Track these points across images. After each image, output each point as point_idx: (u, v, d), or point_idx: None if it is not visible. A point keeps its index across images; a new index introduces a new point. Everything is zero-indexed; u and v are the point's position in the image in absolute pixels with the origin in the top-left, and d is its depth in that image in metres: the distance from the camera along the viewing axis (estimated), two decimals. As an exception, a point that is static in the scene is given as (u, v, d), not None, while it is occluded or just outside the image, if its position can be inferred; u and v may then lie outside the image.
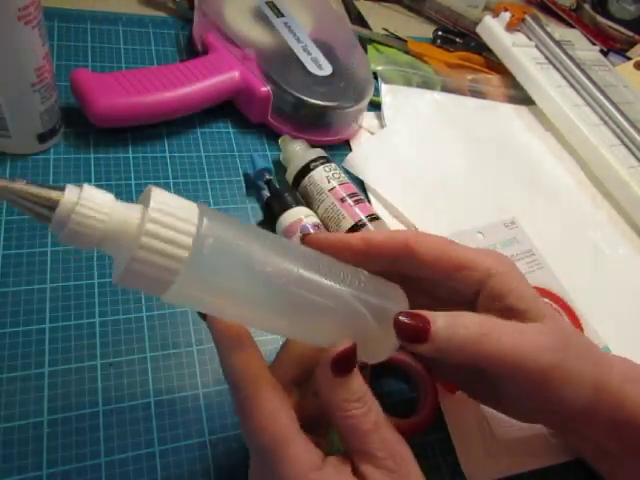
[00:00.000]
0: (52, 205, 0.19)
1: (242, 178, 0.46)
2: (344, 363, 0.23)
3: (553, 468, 0.36)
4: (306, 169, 0.44)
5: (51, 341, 0.33)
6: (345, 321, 0.24)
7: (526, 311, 0.26)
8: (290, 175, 0.45)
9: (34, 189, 0.19)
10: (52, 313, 0.34)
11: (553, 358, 0.25)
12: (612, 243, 0.52)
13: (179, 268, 0.20)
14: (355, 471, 0.23)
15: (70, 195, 0.19)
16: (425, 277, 0.28)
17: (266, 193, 0.44)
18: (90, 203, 0.19)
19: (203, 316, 0.25)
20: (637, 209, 0.55)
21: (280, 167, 0.47)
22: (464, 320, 0.25)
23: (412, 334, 0.24)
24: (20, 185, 0.19)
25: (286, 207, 0.41)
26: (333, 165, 0.44)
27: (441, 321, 0.24)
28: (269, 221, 0.42)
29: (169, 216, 0.20)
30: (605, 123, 0.60)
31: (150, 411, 0.32)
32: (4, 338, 0.32)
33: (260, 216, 0.44)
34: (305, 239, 0.27)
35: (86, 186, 0.20)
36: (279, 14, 0.54)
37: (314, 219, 0.41)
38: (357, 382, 0.24)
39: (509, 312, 0.26)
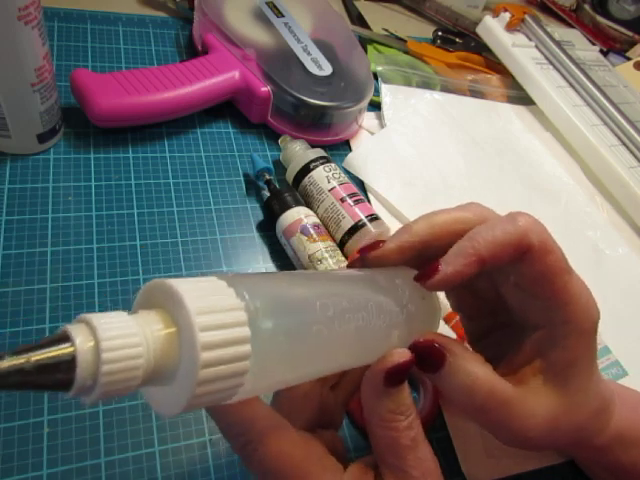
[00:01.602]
0: (66, 367, 0.14)
1: (242, 178, 0.46)
2: (398, 375, 0.22)
3: (553, 468, 0.36)
4: (306, 169, 0.44)
5: (51, 341, 0.33)
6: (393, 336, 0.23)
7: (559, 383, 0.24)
8: (290, 175, 0.45)
9: (32, 359, 0.14)
10: (52, 313, 0.34)
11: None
12: (612, 243, 0.52)
13: (246, 368, 0.17)
14: None
15: (82, 340, 0.14)
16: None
17: (266, 193, 0.44)
18: (113, 340, 0.15)
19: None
20: (637, 209, 0.55)
21: (280, 167, 0.47)
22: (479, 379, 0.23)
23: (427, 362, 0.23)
24: (6, 363, 0.14)
25: (286, 207, 0.41)
26: (333, 165, 0.44)
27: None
28: (269, 221, 0.42)
29: (216, 324, 0.16)
30: (605, 123, 0.60)
31: (150, 411, 0.32)
32: (4, 338, 0.32)
33: (260, 216, 0.44)
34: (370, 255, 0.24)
35: (92, 317, 0.15)
36: (279, 14, 0.54)
37: (314, 219, 0.41)
38: (405, 394, 0.23)
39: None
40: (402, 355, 0.22)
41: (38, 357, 0.14)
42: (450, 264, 0.22)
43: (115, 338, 0.15)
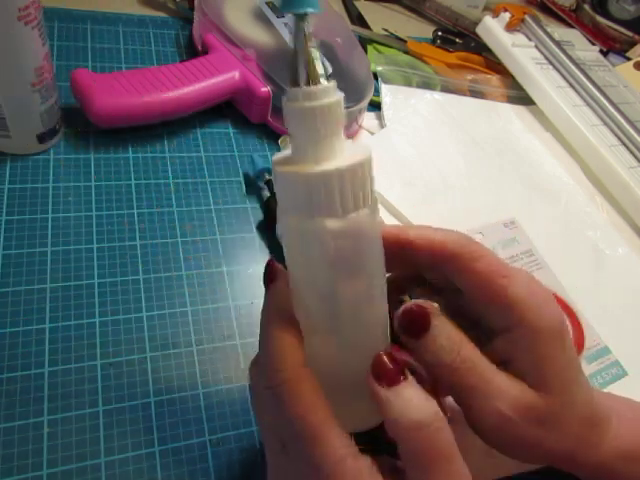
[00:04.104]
0: None
1: (242, 178, 0.46)
2: (387, 365, 0.22)
3: (553, 468, 0.36)
4: (306, 169, 0.44)
5: (51, 341, 0.33)
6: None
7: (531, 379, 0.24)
8: (290, 175, 0.45)
9: None
10: (52, 313, 0.34)
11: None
12: (612, 243, 0.52)
13: None
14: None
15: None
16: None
17: (266, 193, 0.44)
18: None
19: (270, 279, 0.24)
20: (637, 209, 0.55)
21: (280, 167, 0.47)
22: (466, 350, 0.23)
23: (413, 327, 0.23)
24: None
25: (286, 207, 0.41)
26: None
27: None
28: (269, 221, 0.42)
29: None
30: (605, 123, 0.60)
31: (150, 411, 0.32)
32: (4, 338, 0.32)
33: (260, 216, 0.44)
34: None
35: None
36: (279, 14, 0.54)
37: (314, 219, 0.41)
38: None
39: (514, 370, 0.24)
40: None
41: None
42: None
43: None
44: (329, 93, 0.20)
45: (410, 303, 0.23)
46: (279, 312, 0.23)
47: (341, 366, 0.23)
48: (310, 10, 0.20)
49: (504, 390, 0.23)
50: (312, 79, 0.19)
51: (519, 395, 0.23)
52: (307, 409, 0.21)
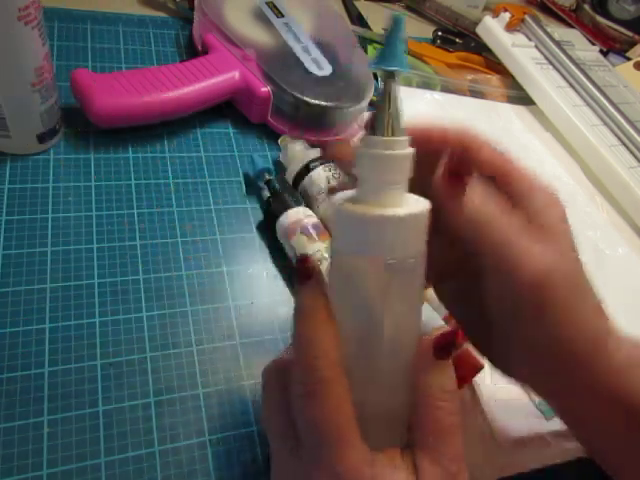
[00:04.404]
0: None
1: (242, 178, 0.46)
2: (446, 345, 0.23)
3: (553, 468, 0.36)
4: (306, 169, 0.44)
5: (51, 341, 0.33)
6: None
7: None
8: (290, 175, 0.45)
9: None
10: (52, 313, 0.34)
11: (555, 273, 0.24)
12: (612, 243, 0.52)
13: None
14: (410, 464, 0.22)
15: None
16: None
17: (266, 193, 0.44)
18: None
19: (305, 276, 0.23)
20: (637, 209, 0.55)
21: (280, 167, 0.47)
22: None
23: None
24: None
25: (286, 207, 0.41)
26: (333, 165, 0.44)
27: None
28: (269, 221, 0.42)
29: None
30: (605, 123, 0.60)
31: (150, 411, 0.32)
32: (4, 338, 0.32)
33: (260, 216, 0.44)
34: None
35: None
36: (279, 14, 0.54)
37: (314, 219, 0.41)
38: (452, 377, 0.23)
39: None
40: (443, 328, 0.23)
41: None
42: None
43: None
44: (405, 146, 0.22)
45: None
46: (316, 310, 0.23)
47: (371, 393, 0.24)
48: (399, 69, 0.22)
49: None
50: (393, 132, 0.21)
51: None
52: (338, 410, 0.22)
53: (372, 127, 0.22)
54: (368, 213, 0.21)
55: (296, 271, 0.23)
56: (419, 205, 0.22)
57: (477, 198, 0.24)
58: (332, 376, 0.22)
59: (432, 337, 0.23)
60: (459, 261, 0.27)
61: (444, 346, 0.23)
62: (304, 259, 0.23)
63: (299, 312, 0.23)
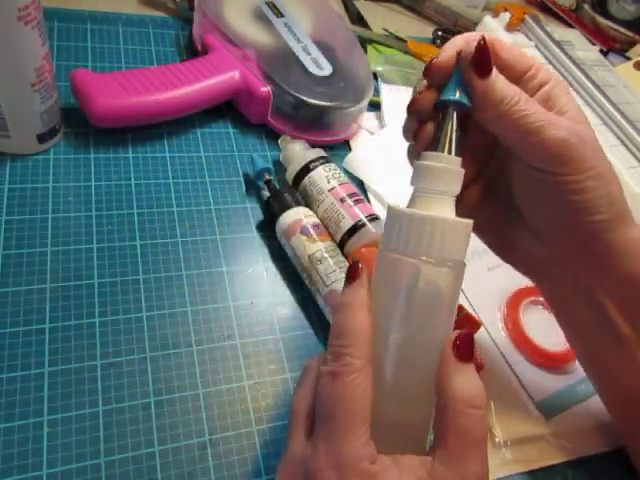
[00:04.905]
0: None
1: (242, 178, 0.46)
2: (467, 345, 0.24)
3: (553, 468, 0.36)
4: (306, 169, 0.44)
5: (51, 341, 0.33)
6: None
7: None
8: (290, 175, 0.45)
9: None
10: (52, 313, 0.34)
11: (575, 135, 0.27)
12: (612, 243, 0.52)
13: None
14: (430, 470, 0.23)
15: None
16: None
17: (266, 193, 0.44)
18: None
19: (353, 276, 0.26)
20: (637, 209, 0.55)
21: (280, 167, 0.47)
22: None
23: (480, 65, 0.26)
24: None
25: (286, 207, 0.41)
26: (333, 165, 0.44)
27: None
28: (269, 221, 0.42)
29: None
30: (605, 123, 0.60)
31: (150, 411, 0.32)
32: (4, 338, 0.32)
33: (260, 216, 0.44)
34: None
35: None
36: (279, 14, 0.54)
37: (314, 219, 0.41)
38: (479, 383, 0.24)
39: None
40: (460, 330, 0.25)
41: None
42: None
43: None
44: (458, 164, 0.25)
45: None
46: (355, 305, 0.25)
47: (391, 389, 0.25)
48: (462, 101, 0.26)
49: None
50: (449, 150, 0.25)
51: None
52: (356, 397, 0.23)
53: (432, 144, 0.26)
54: (417, 213, 0.24)
55: (346, 273, 0.26)
56: (464, 218, 0.24)
57: (502, 80, 0.27)
58: (360, 366, 0.23)
59: (452, 340, 0.24)
60: (487, 154, 0.32)
61: (465, 346, 0.24)
62: (355, 263, 0.26)
63: (339, 306, 0.25)
